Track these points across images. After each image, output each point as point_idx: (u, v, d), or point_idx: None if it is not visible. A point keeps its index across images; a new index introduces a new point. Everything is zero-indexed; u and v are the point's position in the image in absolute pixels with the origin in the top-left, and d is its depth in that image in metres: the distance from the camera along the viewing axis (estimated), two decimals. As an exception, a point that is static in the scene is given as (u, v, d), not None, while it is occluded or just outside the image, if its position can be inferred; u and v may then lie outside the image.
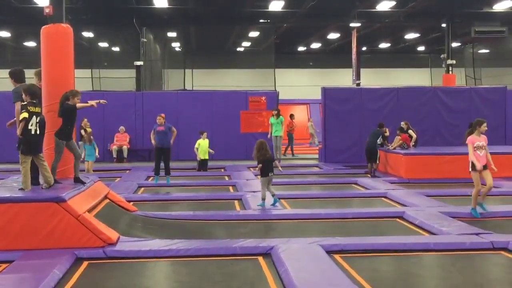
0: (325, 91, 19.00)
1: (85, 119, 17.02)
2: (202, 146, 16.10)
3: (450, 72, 27.71)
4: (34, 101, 7.75)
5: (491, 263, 6.99)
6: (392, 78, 35.55)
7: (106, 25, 26.64)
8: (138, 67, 25.89)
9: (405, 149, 15.31)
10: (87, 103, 8.71)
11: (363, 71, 33.77)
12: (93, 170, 14.97)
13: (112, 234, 7.39)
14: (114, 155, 19.74)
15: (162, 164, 13.52)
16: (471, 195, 9.51)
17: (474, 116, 11.36)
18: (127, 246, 7.22)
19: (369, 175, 15.11)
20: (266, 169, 10.37)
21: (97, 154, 14.92)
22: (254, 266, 6.70)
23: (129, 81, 25.79)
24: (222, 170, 17.08)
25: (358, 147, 17.57)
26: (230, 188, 13.38)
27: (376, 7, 23.05)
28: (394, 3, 21.97)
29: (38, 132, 7.68)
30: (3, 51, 32.42)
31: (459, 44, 32.52)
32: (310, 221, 9.41)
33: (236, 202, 11.34)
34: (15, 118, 8.13)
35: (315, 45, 35.08)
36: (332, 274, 6.05)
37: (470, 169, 9.39)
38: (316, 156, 20.14)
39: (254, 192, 11.68)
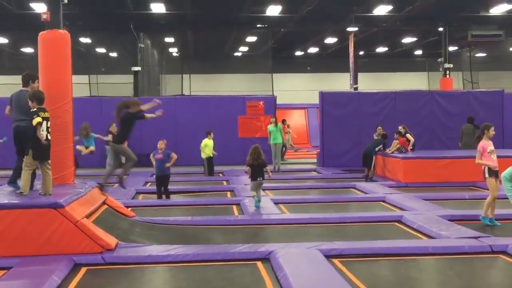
0: (323, 95, 19.01)
1: (114, 124, 16.38)
2: (209, 146, 16.20)
3: (448, 76, 27.76)
4: (43, 107, 7.70)
5: (490, 267, 6.99)
6: (390, 82, 35.59)
7: (104, 31, 26.68)
8: (135, 72, 25.90)
9: (403, 153, 15.32)
10: (155, 114, 10.16)
11: (360, 75, 33.72)
12: (91, 176, 14.89)
13: (111, 240, 7.37)
14: (112, 161, 19.57)
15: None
16: (469, 199, 9.46)
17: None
18: (125, 252, 7.21)
19: (365, 180, 15.18)
20: (256, 173, 10.54)
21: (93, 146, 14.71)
22: (252, 271, 6.69)
23: (127, 86, 25.76)
24: (221, 175, 17.10)
25: (356, 151, 17.50)
26: (228, 193, 13.38)
27: (373, 12, 23.06)
28: (391, 7, 21.99)
29: (49, 137, 7.65)
30: (1, 57, 32.44)
31: (456, 48, 32.58)
32: (308, 225, 9.40)
33: (234, 207, 11.34)
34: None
35: (313, 50, 35.14)
36: (331, 278, 6.05)
37: (486, 175, 8.99)
38: (314, 160, 20.15)
39: (252, 197, 11.65)
